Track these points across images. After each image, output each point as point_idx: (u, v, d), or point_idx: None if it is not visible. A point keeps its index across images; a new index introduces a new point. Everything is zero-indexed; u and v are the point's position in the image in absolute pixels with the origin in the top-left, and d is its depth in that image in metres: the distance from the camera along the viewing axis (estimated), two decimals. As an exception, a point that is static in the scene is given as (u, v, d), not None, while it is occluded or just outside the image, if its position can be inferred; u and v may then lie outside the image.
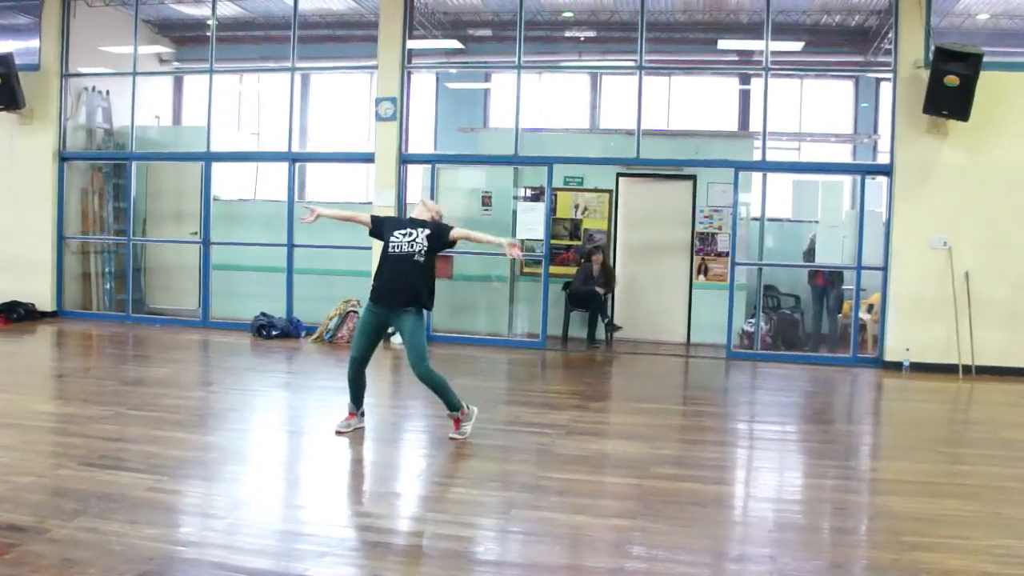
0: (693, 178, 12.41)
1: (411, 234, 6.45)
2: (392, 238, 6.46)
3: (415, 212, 6.64)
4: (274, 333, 11.77)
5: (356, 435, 6.73)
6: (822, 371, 10.52)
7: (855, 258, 10.95)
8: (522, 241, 12.49)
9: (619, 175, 12.67)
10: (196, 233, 13.09)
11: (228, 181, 13.69)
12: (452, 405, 6.62)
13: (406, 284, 6.39)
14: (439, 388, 6.54)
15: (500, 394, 8.88)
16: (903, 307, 10.63)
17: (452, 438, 6.61)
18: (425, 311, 6.50)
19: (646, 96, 11.43)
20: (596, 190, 12.82)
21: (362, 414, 6.82)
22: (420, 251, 6.44)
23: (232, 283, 13.21)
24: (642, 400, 8.53)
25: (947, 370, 10.37)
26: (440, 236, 6.51)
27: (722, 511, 5.34)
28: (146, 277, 13.92)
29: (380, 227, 6.63)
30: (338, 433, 6.68)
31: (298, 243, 12.36)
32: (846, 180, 11.82)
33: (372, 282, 6.59)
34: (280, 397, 8.41)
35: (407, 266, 6.39)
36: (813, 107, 13.88)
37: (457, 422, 6.68)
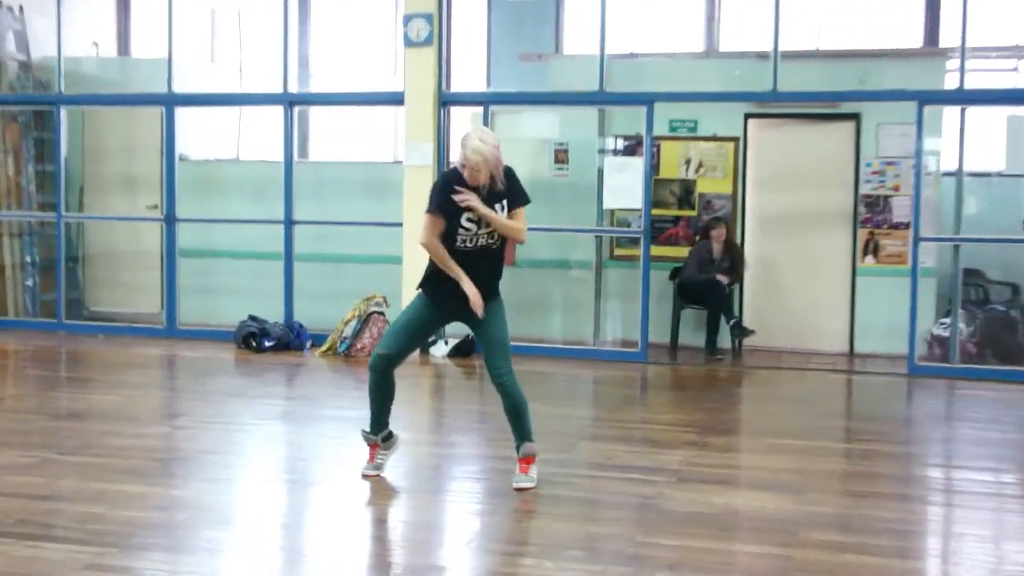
0: (856, 118, 12.22)
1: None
2: (462, 228, 6.42)
3: (467, 168, 6.33)
4: (268, 344, 11.82)
5: (383, 485, 6.70)
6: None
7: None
8: (612, 212, 12.40)
9: (748, 116, 12.52)
10: (156, 207, 13.21)
11: (200, 134, 13.78)
12: (528, 433, 6.67)
13: (484, 280, 6.53)
14: (522, 408, 6.65)
15: (584, 426, 8.80)
16: None
17: (520, 488, 6.58)
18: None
19: (785, 3, 11.25)
20: (715, 138, 12.68)
21: (385, 439, 6.85)
22: (497, 236, 6.53)
23: (209, 276, 13.29)
24: (785, 435, 8.40)
25: None
26: (517, 197, 6.53)
27: (908, 594, 5.21)
28: (85, 269, 14.11)
29: (448, 217, 6.46)
30: (365, 478, 6.76)
31: (300, 219, 12.42)
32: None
33: (427, 271, 6.65)
34: (276, 433, 8.41)
35: (483, 257, 6.50)
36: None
37: (528, 461, 6.66)
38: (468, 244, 6.45)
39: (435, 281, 6.59)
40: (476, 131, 6.40)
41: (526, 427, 6.68)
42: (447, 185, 6.40)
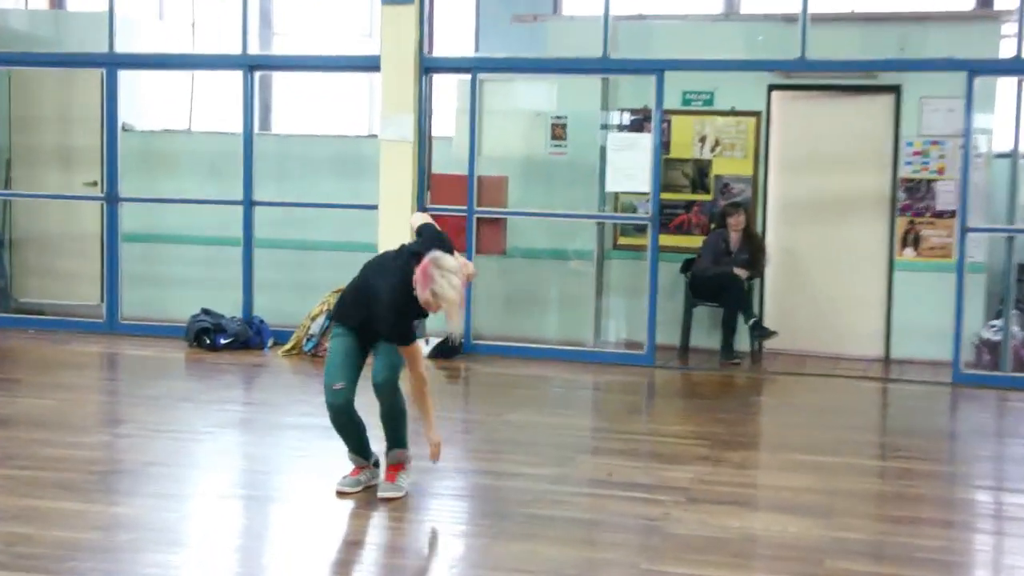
0: (895, 90, 12.21)
1: None
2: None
3: (434, 305, 6.50)
4: (223, 342, 11.81)
5: (353, 503, 6.71)
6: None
7: None
8: (616, 195, 12.39)
9: (772, 88, 12.52)
10: (95, 184, 13.15)
11: (146, 101, 13.75)
12: (400, 440, 6.92)
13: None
14: (398, 412, 6.89)
15: (582, 437, 8.84)
16: None
17: (386, 497, 6.76)
18: None
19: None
20: (734, 113, 12.68)
21: (376, 464, 7.06)
22: None
23: (156, 263, 13.27)
24: (810, 450, 8.39)
25: None
26: None
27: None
28: (13, 254, 14.04)
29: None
30: (340, 494, 6.80)
31: (261, 199, 12.39)
32: None
33: (338, 301, 7.07)
34: (233, 443, 8.41)
35: None
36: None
37: (397, 468, 6.89)
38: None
39: (341, 306, 6.92)
40: (442, 275, 6.35)
41: (398, 435, 6.89)
42: (409, 313, 6.60)
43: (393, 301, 6.49)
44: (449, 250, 6.59)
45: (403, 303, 6.48)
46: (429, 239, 6.68)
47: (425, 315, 6.69)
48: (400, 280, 6.47)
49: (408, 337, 6.62)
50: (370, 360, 6.84)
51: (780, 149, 12.61)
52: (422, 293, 6.31)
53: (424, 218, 7.07)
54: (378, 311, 6.56)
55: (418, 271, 6.32)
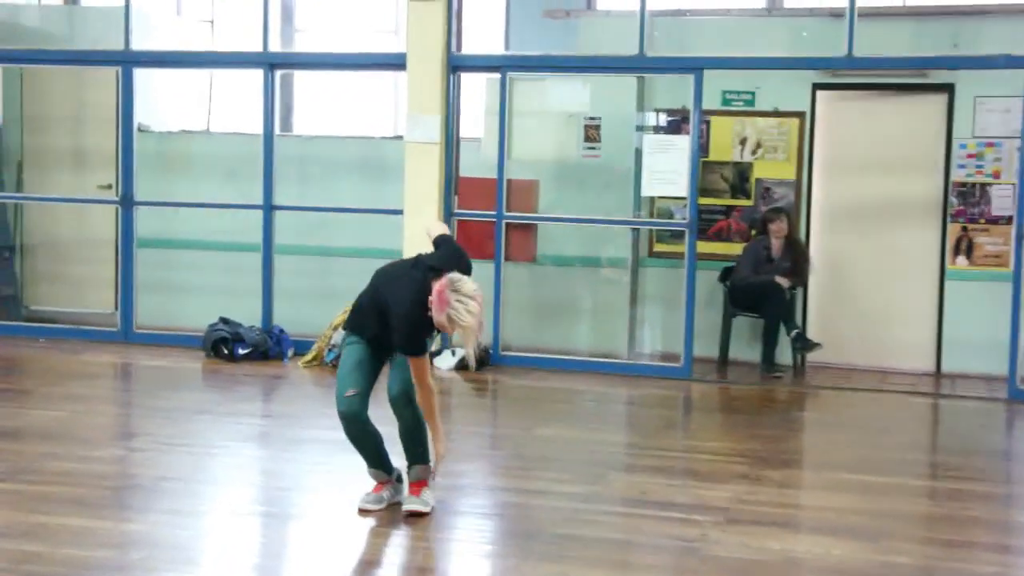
0: (948, 89, 12.17)
1: None
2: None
3: (450, 328, 6.59)
4: (242, 352, 11.85)
5: (375, 522, 6.72)
6: None
7: None
8: (652, 200, 12.38)
9: (816, 87, 12.49)
10: (110, 187, 13.20)
11: (163, 101, 13.80)
12: (422, 455, 6.91)
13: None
14: (416, 427, 6.87)
15: (616, 454, 8.81)
16: None
17: (412, 511, 6.78)
18: None
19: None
20: (777, 113, 12.66)
21: (399, 479, 7.08)
22: None
23: (172, 270, 13.30)
24: (856, 468, 8.37)
25: None
26: None
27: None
28: (24, 260, 14.10)
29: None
30: (362, 512, 6.83)
31: (282, 204, 12.43)
32: None
33: (351, 312, 7.14)
34: (250, 458, 8.44)
35: None
36: None
37: (421, 485, 6.89)
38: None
39: (356, 316, 6.98)
40: (459, 300, 6.38)
41: (418, 449, 6.89)
42: (424, 327, 6.60)
43: (409, 313, 6.52)
44: (468, 270, 6.63)
45: (418, 317, 6.49)
46: (448, 256, 6.72)
47: (440, 332, 6.71)
48: (416, 294, 6.49)
49: (420, 348, 6.62)
50: (386, 370, 6.88)
51: (825, 152, 12.59)
52: (438, 316, 6.33)
53: (442, 228, 7.12)
54: (393, 321, 6.59)
55: (435, 292, 6.32)
